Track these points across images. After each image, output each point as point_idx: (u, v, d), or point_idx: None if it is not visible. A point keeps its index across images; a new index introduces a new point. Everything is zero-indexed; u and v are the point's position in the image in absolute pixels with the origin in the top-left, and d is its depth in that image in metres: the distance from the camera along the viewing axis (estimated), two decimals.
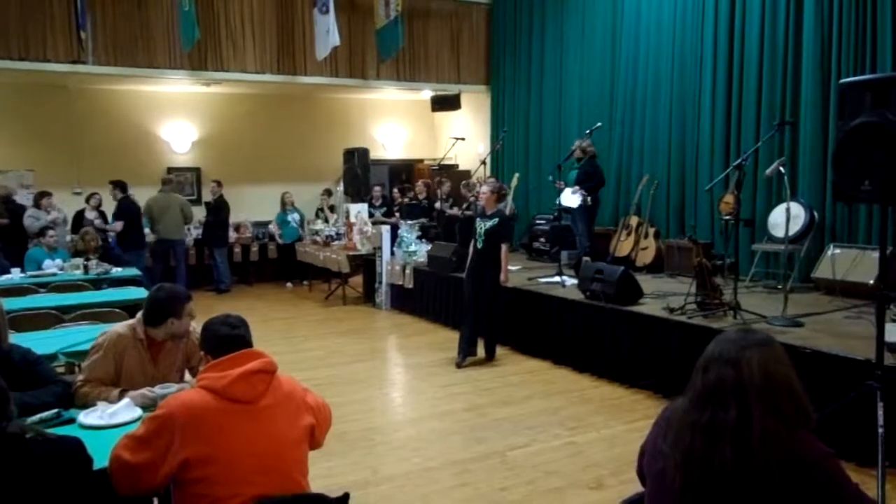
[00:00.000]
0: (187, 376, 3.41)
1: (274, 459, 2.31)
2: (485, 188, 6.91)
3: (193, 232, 11.55)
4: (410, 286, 9.21)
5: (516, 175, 9.76)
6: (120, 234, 9.79)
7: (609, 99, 9.88)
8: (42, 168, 11.09)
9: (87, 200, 10.26)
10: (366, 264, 10.28)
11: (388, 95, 13.55)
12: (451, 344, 7.01)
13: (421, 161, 14.26)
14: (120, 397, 2.97)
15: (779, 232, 6.76)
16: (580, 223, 8.56)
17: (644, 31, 9.24)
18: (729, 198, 6.85)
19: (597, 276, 6.44)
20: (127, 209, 9.92)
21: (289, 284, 11.85)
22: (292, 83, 11.23)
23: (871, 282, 6.02)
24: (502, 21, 12.20)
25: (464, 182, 10.83)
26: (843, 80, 4.38)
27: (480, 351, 6.84)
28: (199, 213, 11.63)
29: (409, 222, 10.13)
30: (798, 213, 6.75)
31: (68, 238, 9.74)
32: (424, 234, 10.09)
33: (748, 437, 1.70)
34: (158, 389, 2.97)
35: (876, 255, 5.65)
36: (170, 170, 12.10)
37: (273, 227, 12.11)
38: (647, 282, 7.03)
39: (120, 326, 3.27)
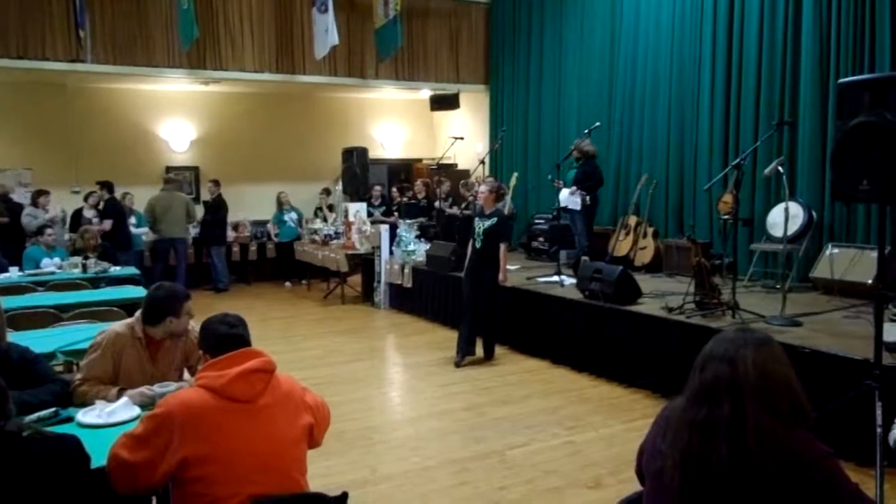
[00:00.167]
0: (186, 375, 3.40)
1: (273, 458, 2.31)
2: (483, 187, 6.91)
3: (192, 231, 11.54)
4: (409, 285, 9.21)
5: (515, 174, 9.76)
6: (107, 235, 9.68)
7: (608, 98, 9.88)
8: (40, 167, 11.08)
9: (86, 199, 10.25)
10: (364, 263, 10.28)
11: (387, 95, 13.55)
12: (450, 343, 7.01)
13: (420, 160, 14.26)
14: (118, 396, 2.97)
15: (777, 231, 6.76)
16: (579, 223, 8.56)
17: (643, 30, 9.24)
18: (727, 197, 6.85)
19: (595, 275, 6.44)
20: (113, 210, 9.87)
21: (287, 284, 11.85)
22: (291, 82, 11.23)
23: (870, 281, 6.03)
24: (501, 20, 12.19)
25: (462, 181, 10.82)
26: (841, 80, 4.39)
27: (479, 350, 6.84)
28: (198, 212, 11.62)
29: (408, 221, 10.14)
30: (796, 212, 6.75)
31: (66, 237, 9.72)
32: (423, 234, 10.09)
33: (743, 434, 1.70)
34: (157, 388, 2.97)
35: (874, 254, 5.66)
36: (168, 169, 12.10)
37: (270, 227, 12.10)
38: (645, 281, 7.03)
39: (118, 325, 3.27)
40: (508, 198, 8.89)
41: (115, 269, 7.64)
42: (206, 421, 2.24)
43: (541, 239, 9.98)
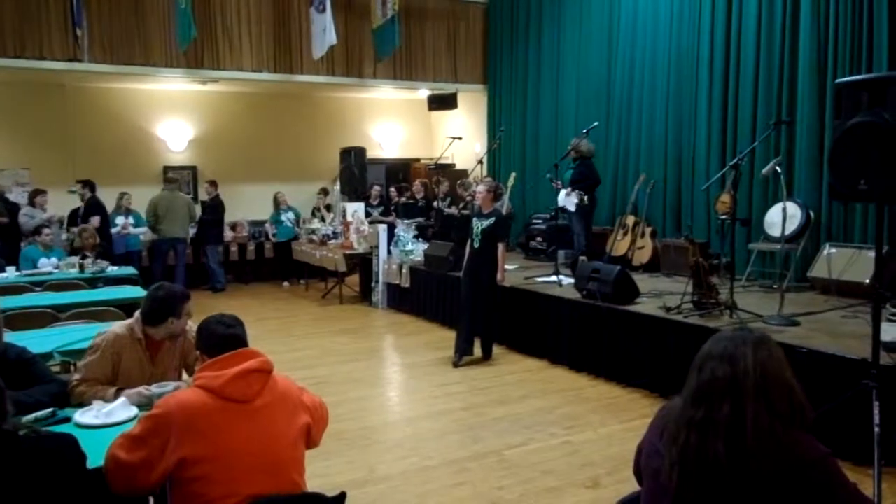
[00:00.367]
0: (184, 375, 3.40)
1: (270, 458, 2.31)
2: (481, 187, 6.92)
3: (191, 231, 11.53)
4: (407, 285, 9.21)
5: (513, 174, 9.76)
6: None
7: (606, 98, 9.88)
8: (38, 166, 11.06)
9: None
10: (362, 263, 10.28)
11: (385, 94, 13.54)
12: (448, 343, 7.00)
13: (418, 160, 14.25)
14: (116, 396, 2.97)
15: (775, 231, 6.77)
16: (577, 223, 8.57)
17: (641, 30, 9.24)
18: (725, 197, 6.86)
19: (593, 275, 6.44)
20: (96, 209, 9.80)
21: (285, 283, 11.84)
22: (289, 82, 11.22)
23: (867, 281, 6.03)
24: (499, 20, 12.19)
25: (460, 181, 10.82)
26: (839, 80, 4.39)
27: (477, 350, 6.84)
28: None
29: (406, 221, 10.13)
30: (794, 212, 6.75)
31: (64, 236, 9.71)
32: (421, 234, 10.09)
33: (742, 433, 1.70)
34: (154, 388, 2.96)
35: (872, 254, 5.68)
36: (166, 168, 12.09)
37: (268, 227, 12.08)
38: (643, 281, 7.03)
39: (118, 327, 3.26)
40: (506, 197, 8.89)
41: (113, 269, 7.64)
42: (204, 421, 2.24)
43: (539, 239, 9.99)
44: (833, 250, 6.68)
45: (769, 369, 1.77)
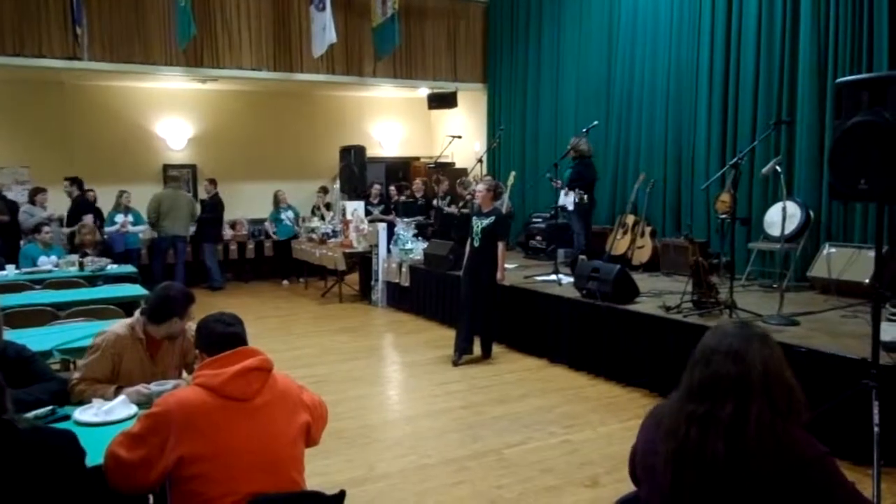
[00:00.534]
0: (184, 374, 3.40)
1: (270, 457, 2.31)
2: (481, 186, 6.92)
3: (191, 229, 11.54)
4: (407, 284, 9.21)
5: (512, 173, 9.76)
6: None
7: (606, 97, 9.88)
8: (37, 164, 11.05)
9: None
10: (362, 262, 10.28)
11: (385, 93, 13.54)
12: (448, 342, 7.00)
13: (417, 159, 14.24)
14: (116, 394, 2.97)
15: (775, 231, 6.76)
16: (576, 222, 8.58)
17: (641, 29, 9.24)
18: (725, 196, 6.85)
19: (593, 274, 6.44)
20: (84, 206, 9.77)
21: (285, 282, 11.83)
22: (289, 80, 11.21)
23: (867, 281, 6.03)
24: (499, 19, 12.18)
25: (459, 180, 10.83)
26: (839, 79, 4.39)
27: (477, 349, 6.84)
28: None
29: (406, 220, 10.13)
30: (794, 211, 6.75)
31: (64, 230, 9.68)
32: (421, 232, 10.09)
33: (744, 432, 1.69)
34: (154, 386, 2.96)
35: (871, 254, 5.68)
36: (166, 167, 12.09)
37: (268, 225, 12.08)
38: (643, 280, 7.03)
39: (118, 327, 3.25)
40: (506, 196, 8.89)
41: (113, 267, 7.63)
42: (204, 419, 2.24)
43: (538, 238, 9.99)
44: (833, 250, 6.68)
45: (772, 368, 1.76)
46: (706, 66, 8.23)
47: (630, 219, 8.59)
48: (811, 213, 6.90)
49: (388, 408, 5.71)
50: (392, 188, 12.25)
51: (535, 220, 10.30)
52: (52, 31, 9.29)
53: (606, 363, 6.20)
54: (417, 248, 9.36)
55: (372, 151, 12.97)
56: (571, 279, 7.11)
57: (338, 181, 12.38)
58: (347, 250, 9.98)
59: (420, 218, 10.76)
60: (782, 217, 5.89)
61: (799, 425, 1.75)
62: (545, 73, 11.13)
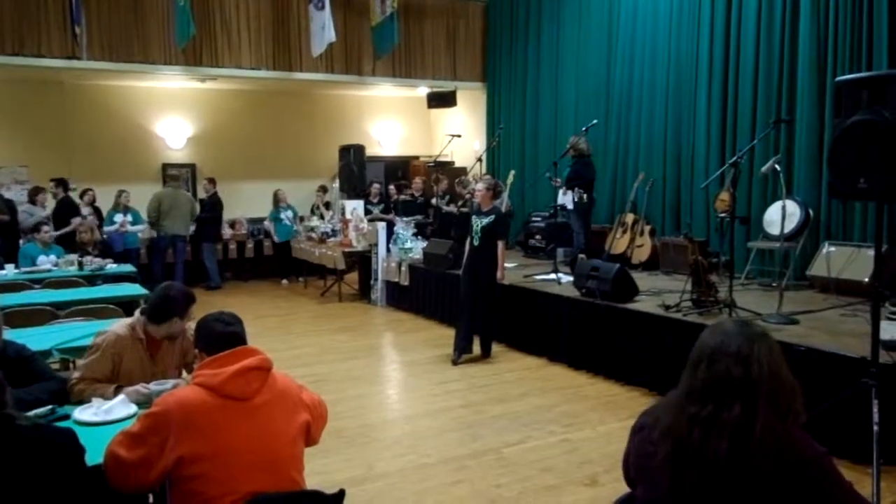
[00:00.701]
0: (184, 373, 3.40)
1: (270, 456, 2.31)
2: (480, 185, 6.91)
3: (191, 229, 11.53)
4: (406, 283, 9.21)
5: (512, 172, 9.76)
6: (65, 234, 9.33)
7: (605, 96, 9.88)
8: (36, 164, 11.04)
9: (81, 196, 10.22)
10: (361, 261, 10.28)
11: (384, 92, 13.53)
12: (447, 341, 7.00)
13: (417, 158, 14.24)
14: (115, 393, 2.97)
15: (774, 229, 6.77)
16: (576, 221, 8.59)
17: (640, 27, 9.24)
18: (724, 195, 6.85)
19: (592, 273, 6.44)
20: (69, 209, 9.70)
21: (284, 281, 11.83)
22: (288, 79, 11.21)
23: (866, 279, 6.03)
24: (499, 17, 12.18)
25: (457, 179, 10.82)
26: (839, 78, 4.39)
27: (476, 348, 6.84)
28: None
29: (405, 219, 10.12)
30: (793, 210, 6.75)
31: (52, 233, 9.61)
32: (420, 231, 10.09)
33: (749, 433, 1.68)
34: (154, 386, 2.96)
35: (871, 252, 5.68)
36: (165, 166, 12.09)
37: (267, 224, 12.07)
38: (642, 279, 7.03)
39: (118, 328, 3.24)
40: (505, 195, 8.89)
41: (112, 267, 7.63)
42: (203, 419, 2.24)
43: (538, 237, 9.99)
44: (832, 249, 6.69)
45: (779, 371, 1.76)
46: (705, 65, 8.23)
47: (629, 218, 8.59)
48: (811, 212, 6.90)
49: (387, 407, 5.71)
50: (391, 187, 12.24)
51: (534, 219, 10.30)
52: (52, 30, 9.28)
53: (606, 362, 6.20)
54: (417, 248, 9.35)
55: (371, 150, 12.97)
56: (571, 278, 7.10)
57: (337, 180, 12.38)
58: (347, 249, 9.98)
59: (419, 217, 10.76)
60: (782, 216, 5.89)
61: (798, 425, 1.75)
62: (544, 72, 11.13)
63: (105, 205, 10.44)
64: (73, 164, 11.21)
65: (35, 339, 3.99)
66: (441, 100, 12.79)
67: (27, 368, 2.96)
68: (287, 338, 7.89)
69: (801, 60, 7.18)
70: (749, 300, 6.00)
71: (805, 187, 7.10)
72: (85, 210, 10.02)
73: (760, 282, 7.23)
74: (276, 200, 11.85)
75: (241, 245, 12.30)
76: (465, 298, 6.76)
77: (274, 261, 12.14)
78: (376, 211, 11.10)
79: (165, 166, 12.09)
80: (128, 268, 7.87)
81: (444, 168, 11.63)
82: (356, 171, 11.22)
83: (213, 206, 11.27)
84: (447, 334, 7.32)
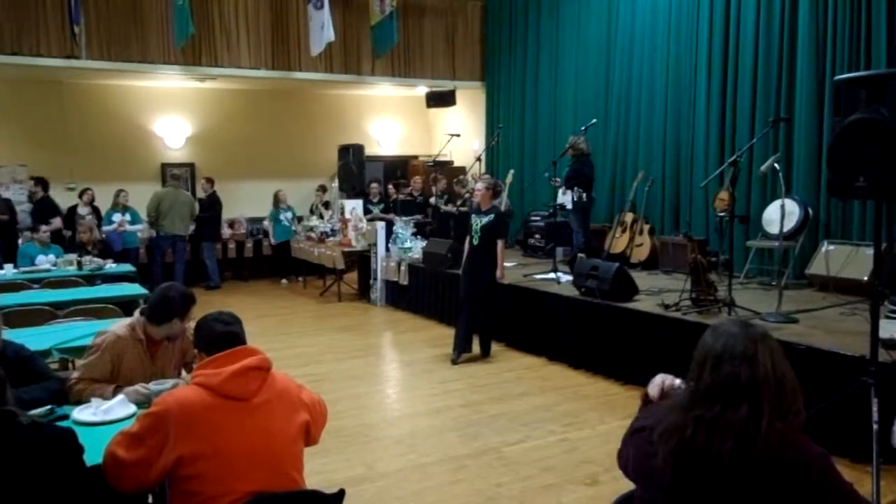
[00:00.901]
0: (183, 373, 3.40)
1: (269, 456, 2.30)
2: (480, 185, 6.91)
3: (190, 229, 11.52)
4: (405, 283, 9.21)
5: (511, 172, 9.76)
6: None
7: (604, 95, 9.88)
8: (35, 163, 11.01)
9: (81, 196, 10.23)
10: (361, 260, 10.28)
11: (383, 91, 13.52)
12: (447, 340, 7.00)
13: (416, 157, 14.23)
14: (114, 393, 2.96)
15: (773, 228, 6.77)
16: (575, 220, 8.59)
17: (639, 27, 9.24)
18: (724, 194, 6.86)
19: (592, 272, 6.44)
20: (48, 209, 9.64)
21: (283, 281, 11.83)
22: (287, 79, 11.20)
23: (866, 278, 6.03)
24: (498, 17, 12.18)
25: (456, 178, 10.82)
26: (838, 77, 4.40)
27: (476, 347, 6.84)
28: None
29: (405, 218, 10.13)
30: (792, 209, 6.76)
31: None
32: (419, 231, 10.08)
33: (754, 434, 1.68)
34: (153, 385, 2.95)
35: (870, 251, 5.69)
36: (164, 165, 12.08)
37: (266, 224, 12.06)
38: (641, 278, 7.04)
39: (118, 328, 3.24)
40: (505, 195, 8.89)
41: (111, 267, 7.63)
42: (203, 419, 2.24)
43: (537, 236, 9.98)
44: (831, 247, 6.69)
45: (784, 372, 1.76)
46: (705, 64, 8.23)
47: (629, 217, 8.59)
48: (810, 211, 6.90)
49: (387, 406, 5.71)
50: (391, 187, 12.23)
51: (533, 218, 10.30)
52: (50, 30, 9.28)
53: (605, 361, 6.20)
54: (416, 247, 9.35)
55: (370, 150, 12.95)
56: (570, 277, 7.11)
57: (336, 180, 12.37)
58: (346, 249, 9.97)
59: (419, 216, 10.75)
60: (781, 215, 5.89)
61: (799, 424, 1.75)
62: (544, 72, 11.12)
63: (104, 204, 10.43)
64: (72, 163, 11.20)
65: (34, 338, 3.98)
66: (440, 99, 12.78)
67: (26, 368, 2.96)
68: (286, 337, 7.89)
69: (800, 59, 7.18)
70: (748, 299, 6.00)
71: (804, 186, 7.11)
72: (84, 209, 10.03)
73: (760, 281, 7.24)
74: (277, 201, 11.84)
75: (241, 245, 12.29)
76: (464, 298, 6.76)
77: (273, 260, 12.13)
78: (375, 210, 11.09)
79: (164, 166, 12.08)
80: (127, 267, 7.86)
81: (443, 167, 11.63)
82: (355, 170, 11.22)
83: (212, 206, 11.26)
84: (446, 334, 7.32)
